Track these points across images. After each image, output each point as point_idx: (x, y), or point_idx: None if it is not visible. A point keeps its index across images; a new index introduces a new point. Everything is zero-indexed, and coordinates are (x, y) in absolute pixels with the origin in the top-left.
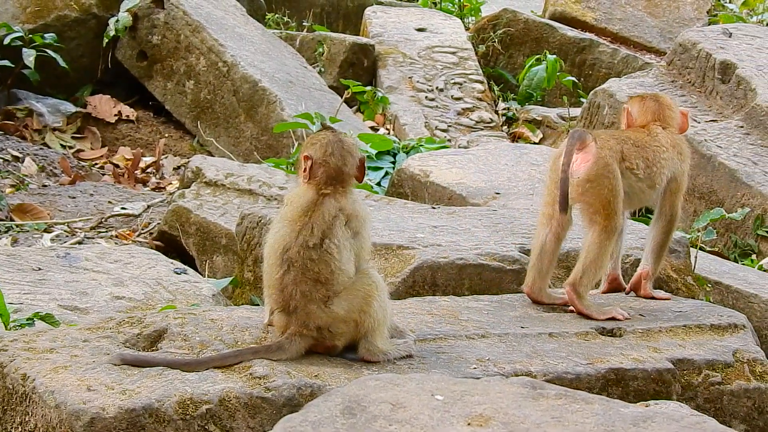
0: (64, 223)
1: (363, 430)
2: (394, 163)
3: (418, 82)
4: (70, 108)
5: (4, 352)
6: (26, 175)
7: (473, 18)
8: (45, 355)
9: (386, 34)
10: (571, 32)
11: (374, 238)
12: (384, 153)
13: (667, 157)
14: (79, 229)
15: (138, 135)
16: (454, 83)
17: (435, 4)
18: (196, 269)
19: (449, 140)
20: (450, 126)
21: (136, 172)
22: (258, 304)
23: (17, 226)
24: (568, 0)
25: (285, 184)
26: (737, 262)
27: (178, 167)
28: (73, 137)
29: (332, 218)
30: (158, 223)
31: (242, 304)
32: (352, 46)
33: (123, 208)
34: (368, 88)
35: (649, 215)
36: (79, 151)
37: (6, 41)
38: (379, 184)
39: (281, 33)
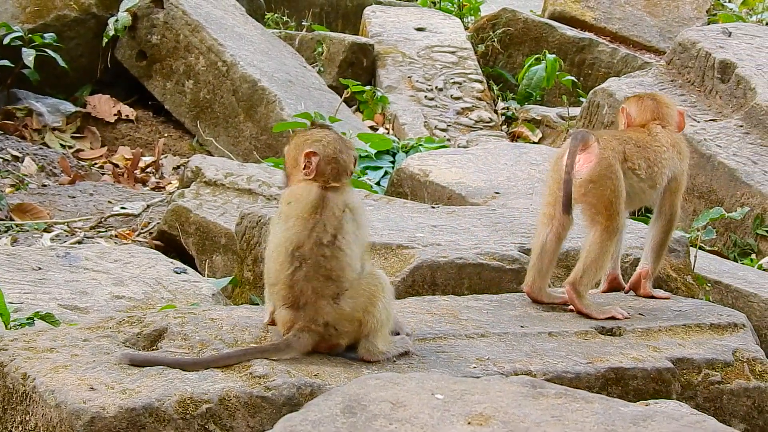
0: (63, 223)
1: (363, 429)
2: (393, 162)
3: (417, 81)
4: (70, 108)
5: (4, 352)
6: (26, 175)
7: (472, 17)
8: (45, 354)
9: (385, 34)
10: (571, 32)
11: (374, 238)
12: (383, 152)
13: (667, 157)
14: (79, 228)
15: (137, 135)
16: (454, 83)
17: (434, 3)
18: (195, 269)
19: (448, 140)
20: (449, 125)
21: (135, 171)
22: (258, 304)
23: (17, 225)
24: None
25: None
26: (737, 262)
27: (178, 167)
28: (72, 137)
29: (341, 213)
30: (158, 223)
31: (242, 303)
32: (352, 45)
33: (123, 208)
34: (367, 87)
35: (649, 214)
36: (78, 150)
37: (5, 41)
38: (378, 183)
39: (280, 32)
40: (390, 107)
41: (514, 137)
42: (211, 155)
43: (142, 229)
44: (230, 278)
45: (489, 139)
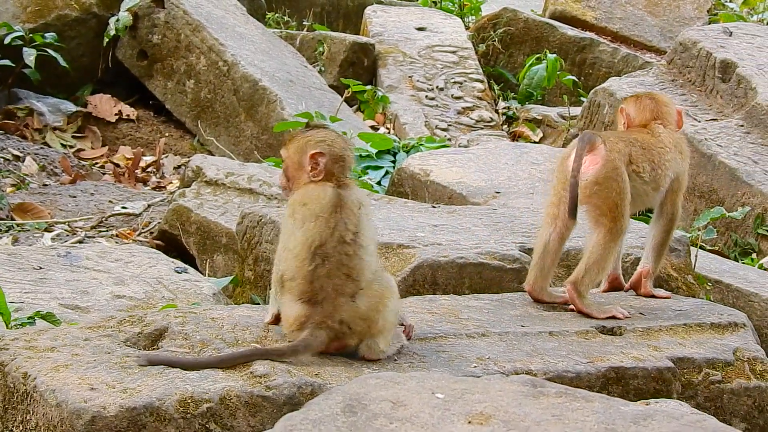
0: (64, 222)
1: (364, 428)
2: (394, 162)
3: (418, 81)
4: (71, 107)
5: (5, 351)
6: (27, 175)
7: (473, 17)
8: (46, 353)
9: (386, 34)
10: (572, 31)
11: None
12: (384, 152)
13: (670, 158)
14: (80, 228)
15: (138, 134)
16: (455, 82)
17: (435, 3)
18: (196, 268)
19: (449, 139)
20: (450, 125)
21: (136, 171)
22: (258, 303)
23: (18, 225)
24: None
25: None
26: (737, 261)
27: (179, 166)
28: (73, 136)
29: (358, 210)
30: (159, 223)
31: (243, 303)
32: (353, 45)
33: (123, 208)
34: (368, 87)
35: (649, 214)
36: (79, 150)
37: (6, 41)
38: (379, 183)
39: (281, 32)
40: (391, 107)
41: (515, 137)
42: (212, 155)
43: (142, 228)
44: (231, 278)
45: (490, 138)
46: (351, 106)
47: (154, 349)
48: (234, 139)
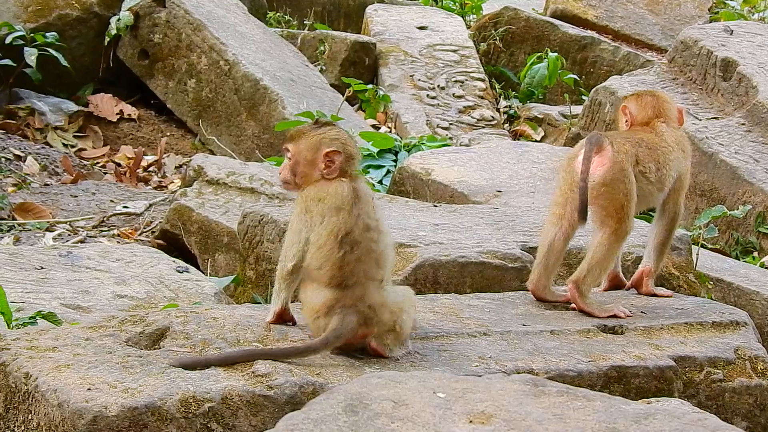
0: (66, 222)
1: (365, 427)
2: (395, 161)
3: (419, 80)
4: (72, 107)
5: (6, 351)
6: (28, 174)
7: (474, 16)
8: (47, 353)
9: (387, 33)
10: (573, 30)
11: None
12: (385, 151)
13: (674, 158)
14: (81, 227)
15: (140, 134)
16: (456, 81)
17: (436, 2)
18: (198, 268)
19: (451, 138)
20: (451, 124)
21: (137, 170)
22: (260, 302)
23: (19, 225)
24: None
25: None
26: (739, 260)
27: (180, 166)
28: (74, 136)
29: (374, 201)
30: (160, 222)
31: (244, 302)
32: (354, 44)
33: (125, 207)
34: (369, 86)
35: (651, 213)
36: (80, 149)
37: (8, 40)
38: (380, 182)
39: (282, 31)
40: (392, 106)
41: (516, 136)
42: (214, 154)
43: (144, 228)
44: (232, 277)
45: (491, 137)
46: (352, 105)
47: (155, 348)
48: (235, 139)
